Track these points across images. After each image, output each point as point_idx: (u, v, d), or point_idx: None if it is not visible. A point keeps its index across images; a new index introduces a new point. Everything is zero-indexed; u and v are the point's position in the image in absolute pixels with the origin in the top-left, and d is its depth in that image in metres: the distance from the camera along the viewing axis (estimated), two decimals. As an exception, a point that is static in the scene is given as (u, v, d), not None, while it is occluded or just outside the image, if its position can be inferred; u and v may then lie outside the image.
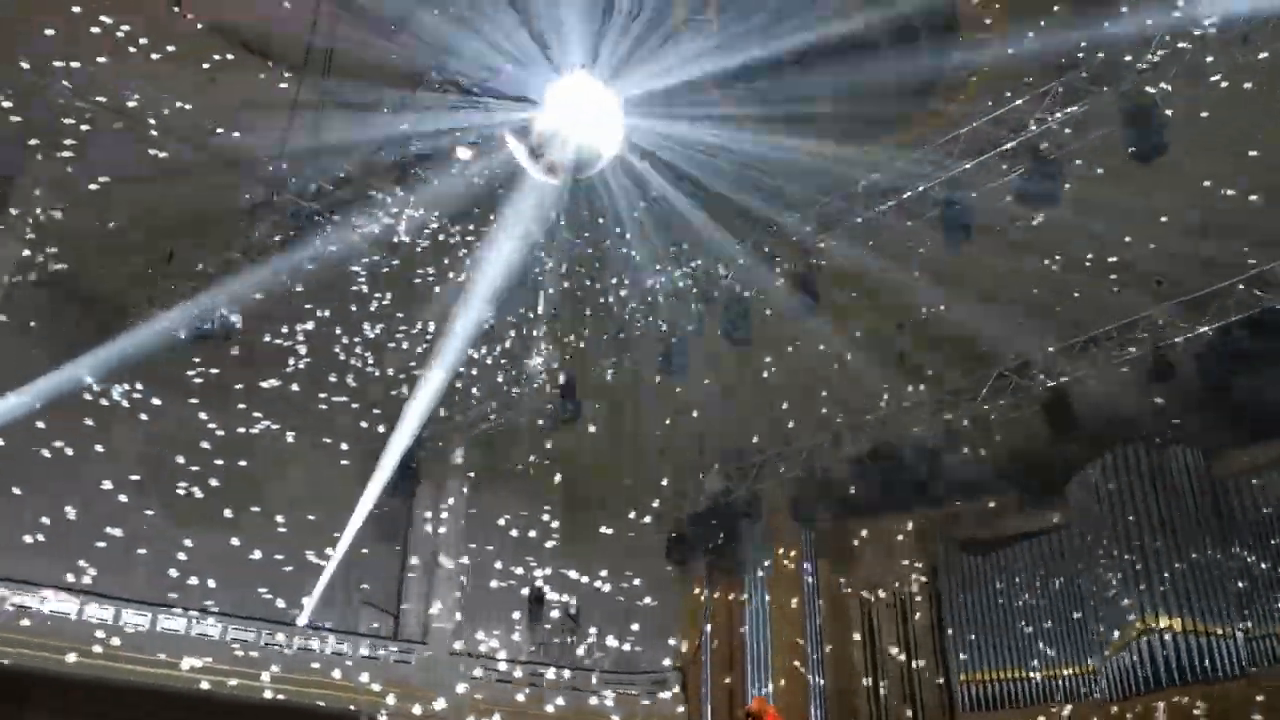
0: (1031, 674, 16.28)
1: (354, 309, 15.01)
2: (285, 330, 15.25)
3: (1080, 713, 15.41)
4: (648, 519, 19.06)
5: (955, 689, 16.70)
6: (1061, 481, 16.86)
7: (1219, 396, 13.99)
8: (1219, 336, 13.78)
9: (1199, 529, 15.36)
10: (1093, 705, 15.42)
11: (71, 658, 14.91)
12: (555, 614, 19.50)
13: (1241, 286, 13.78)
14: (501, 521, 18.89)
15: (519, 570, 19.03)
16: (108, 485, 15.60)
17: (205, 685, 15.68)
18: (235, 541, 16.85)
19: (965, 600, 17.13)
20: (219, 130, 13.47)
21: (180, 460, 16.39)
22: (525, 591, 19.23)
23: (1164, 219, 13.21)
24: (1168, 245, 13.47)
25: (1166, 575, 15.07)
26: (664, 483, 18.21)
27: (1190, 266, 13.82)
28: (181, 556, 16.39)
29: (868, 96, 13.01)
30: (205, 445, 16.62)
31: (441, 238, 14.47)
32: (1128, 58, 11.98)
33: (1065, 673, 16.03)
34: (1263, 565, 14.87)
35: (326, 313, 15.15)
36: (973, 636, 16.80)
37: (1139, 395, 15.08)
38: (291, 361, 15.66)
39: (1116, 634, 15.36)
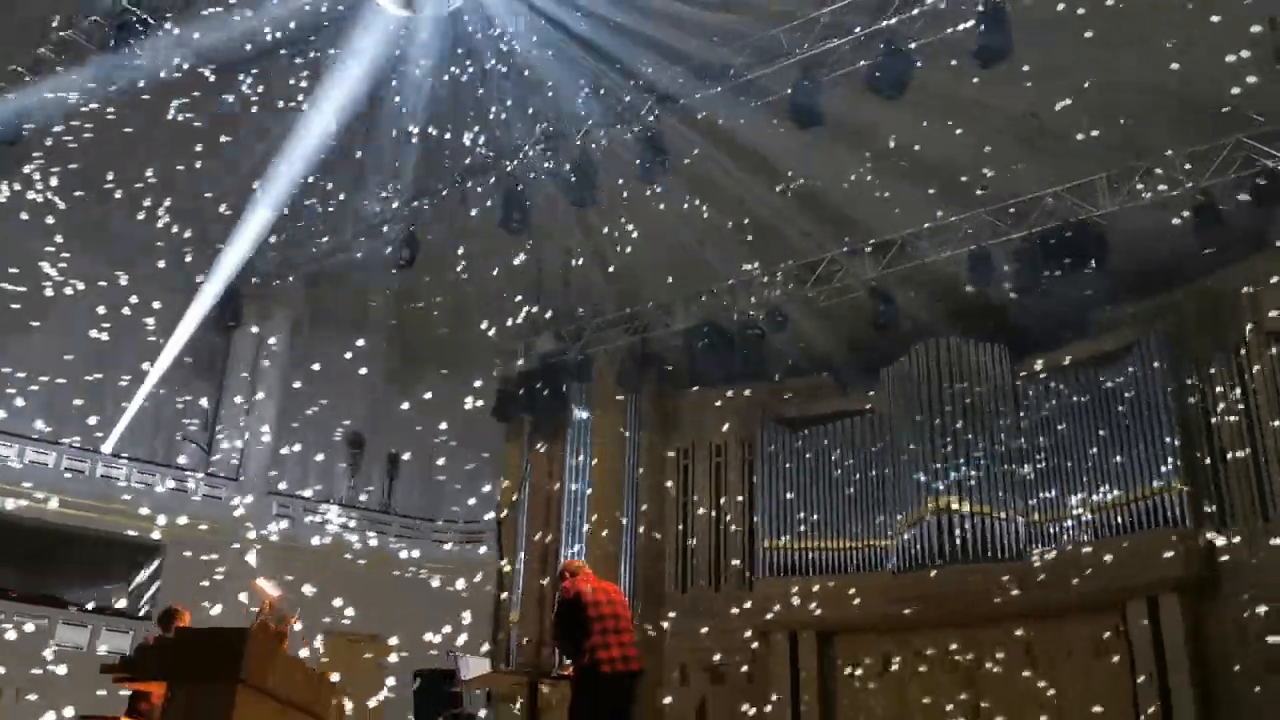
0: (829, 545, 17.15)
1: (175, 129, 14.19)
2: (103, 148, 14.37)
3: (871, 582, 16.34)
4: (476, 372, 19.08)
5: (759, 554, 17.46)
6: (877, 368, 17.56)
7: (1027, 301, 14.72)
8: (1034, 243, 14.42)
9: (996, 422, 16.32)
10: (881, 576, 16.39)
11: None
12: (373, 459, 19.43)
13: (1062, 196, 14.42)
14: (325, 363, 18.58)
15: (340, 413, 18.85)
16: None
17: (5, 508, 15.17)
18: (42, 364, 16.20)
19: (776, 473, 17.80)
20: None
21: None
22: (344, 434, 19.08)
23: (998, 124, 13.65)
24: (999, 149, 13.93)
25: (962, 462, 16.02)
26: (495, 338, 18.17)
27: (1017, 172, 14.36)
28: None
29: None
30: (13, 266, 15.83)
31: (277, 60, 13.72)
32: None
33: (860, 545, 16.95)
34: (1046, 459, 15.94)
35: (147, 132, 14.31)
36: (779, 507, 17.53)
37: (955, 293, 15.76)
38: (107, 183, 14.83)
39: (911, 513, 16.30)
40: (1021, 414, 16.42)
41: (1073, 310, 15.47)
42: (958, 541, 15.70)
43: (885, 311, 15.97)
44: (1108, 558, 14.62)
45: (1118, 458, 15.08)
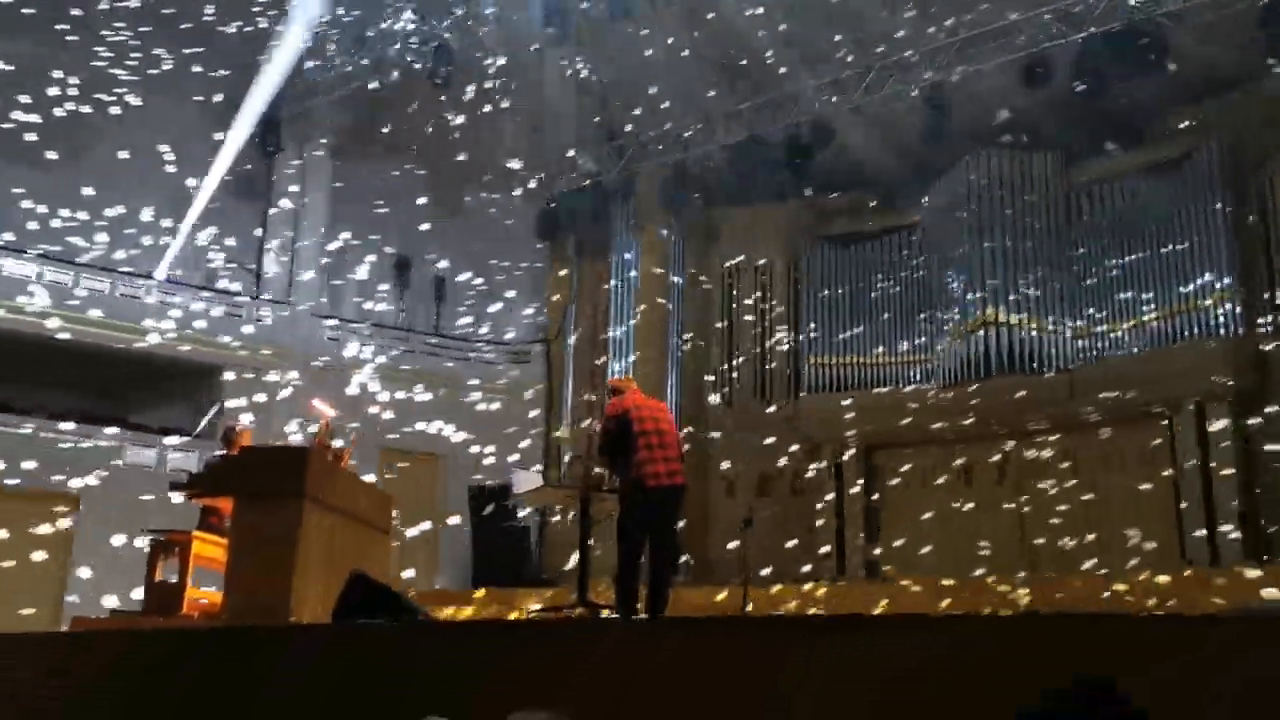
0: (875, 360, 17.20)
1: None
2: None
3: (917, 395, 16.44)
4: (519, 193, 18.98)
5: (804, 370, 17.57)
6: (926, 181, 17.19)
7: (1086, 105, 14.20)
8: (1095, 44, 13.82)
9: (1047, 233, 16.03)
10: (927, 390, 16.47)
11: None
12: (420, 282, 19.56)
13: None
14: (369, 186, 18.55)
15: (385, 236, 18.90)
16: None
17: (63, 335, 15.53)
18: (89, 191, 16.37)
19: (822, 289, 17.72)
20: None
21: (24, 103, 15.68)
22: (390, 256, 19.17)
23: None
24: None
25: (1011, 274, 15.82)
26: (537, 158, 17.97)
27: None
28: (30, 204, 15.91)
29: None
30: (51, 90, 15.87)
31: None
32: None
33: (905, 360, 16.97)
34: (1098, 270, 15.71)
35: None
36: (825, 323, 17.52)
37: (1010, 99, 15.24)
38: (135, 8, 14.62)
39: (959, 326, 16.22)
40: (1073, 225, 16.11)
41: (1129, 117, 14.94)
42: (1005, 354, 15.66)
43: (935, 122, 15.49)
44: (1157, 367, 14.57)
45: (1172, 266, 14.83)
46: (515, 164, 17.95)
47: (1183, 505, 14.22)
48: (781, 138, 16.74)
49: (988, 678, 3.47)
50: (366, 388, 17.17)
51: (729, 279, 18.83)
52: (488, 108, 17.08)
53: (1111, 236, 15.64)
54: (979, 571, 14.07)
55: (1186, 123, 15.27)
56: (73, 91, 16.20)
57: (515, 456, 17.55)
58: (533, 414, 18.93)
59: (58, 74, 16.18)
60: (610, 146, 18.60)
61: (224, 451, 8.48)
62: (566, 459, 18.15)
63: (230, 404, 16.26)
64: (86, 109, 16.36)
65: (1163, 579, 11.77)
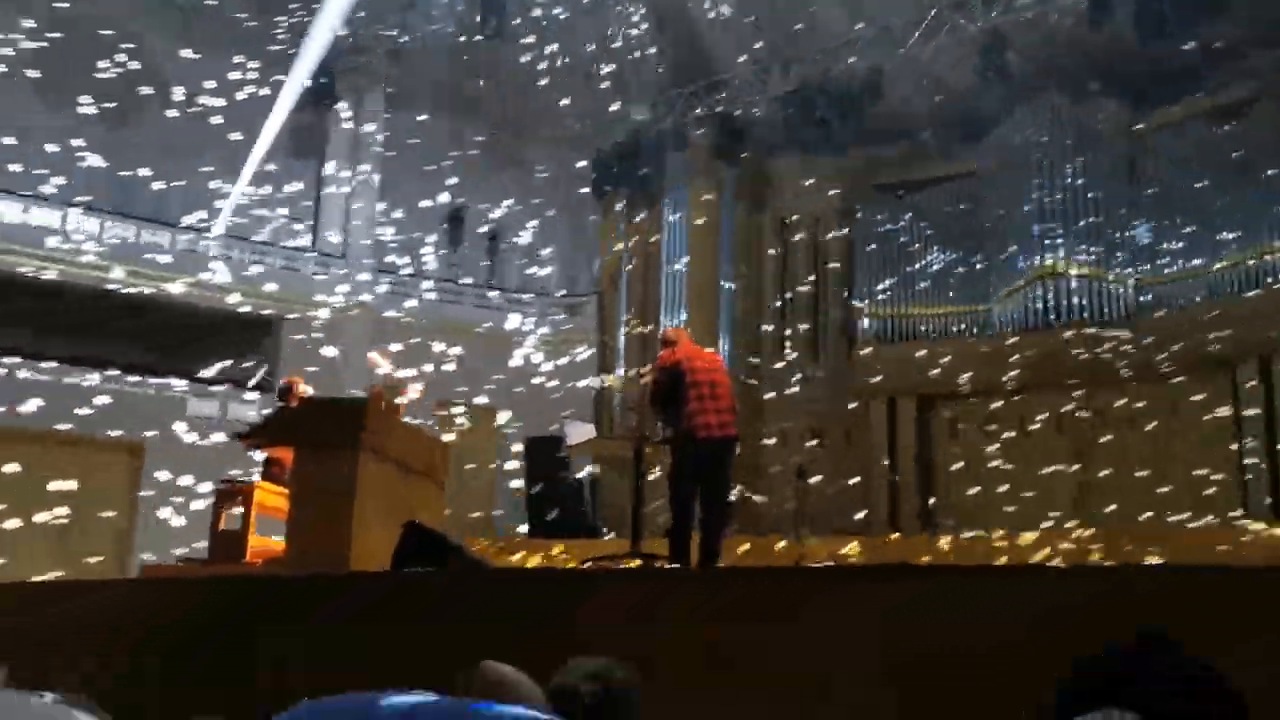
0: (931, 311, 17.00)
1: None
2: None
3: (974, 347, 16.26)
4: (570, 144, 18.93)
5: (857, 321, 17.43)
6: (984, 128, 16.85)
7: (1151, 48, 13.81)
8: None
9: (1112, 181, 15.68)
10: (984, 341, 16.27)
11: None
12: (473, 235, 19.65)
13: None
14: (421, 138, 18.60)
15: (438, 188, 18.98)
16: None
17: (118, 288, 15.81)
18: (147, 145, 16.59)
19: (877, 241, 17.51)
20: None
21: (82, 59, 15.90)
22: (444, 210, 19.26)
23: None
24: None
25: (1070, 223, 15.53)
26: (588, 109, 17.88)
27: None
28: (88, 157, 16.16)
29: None
30: (107, 45, 16.10)
31: None
32: None
33: (963, 310, 16.76)
34: (1159, 219, 15.36)
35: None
36: (879, 274, 17.33)
37: (1068, 46, 14.87)
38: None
39: (1017, 276, 15.98)
40: (1135, 173, 15.74)
41: (1194, 61, 14.52)
42: (1066, 304, 15.41)
43: (994, 68, 15.18)
44: (1220, 318, 14.27)
45: (1239, 213, 14.47)
46: (567, 116, 17.87)
47: (1246, 458, 13.97)
48: (835, 86, 16.48)
49: (1043, 629, 3.46)
50: (421, 340, 17.32)
51: (781, 229, 18.65)
52: (541, 59, 17.00)
53: (1176, 184, 15.25)
54: (1036, 523, 13.95)
55: (1253, 66, 14.80)
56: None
57: (569, 409, 17.65)
58: (586, 366, 18.99)
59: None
60: (661, 98, 18.44)
61: (281, 405, 8.61)
62: (618, 410, 18.20)
63: (291, 357, 16.50)
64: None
65: (1225, 531, 11.62)
